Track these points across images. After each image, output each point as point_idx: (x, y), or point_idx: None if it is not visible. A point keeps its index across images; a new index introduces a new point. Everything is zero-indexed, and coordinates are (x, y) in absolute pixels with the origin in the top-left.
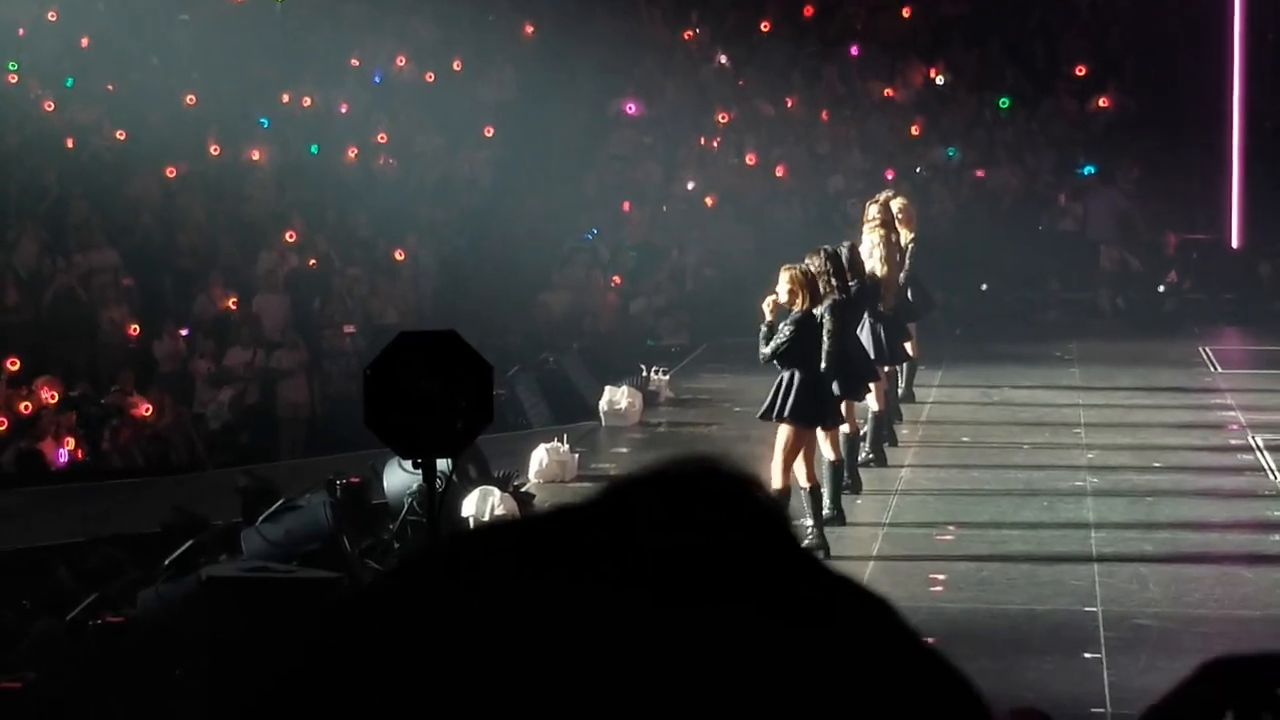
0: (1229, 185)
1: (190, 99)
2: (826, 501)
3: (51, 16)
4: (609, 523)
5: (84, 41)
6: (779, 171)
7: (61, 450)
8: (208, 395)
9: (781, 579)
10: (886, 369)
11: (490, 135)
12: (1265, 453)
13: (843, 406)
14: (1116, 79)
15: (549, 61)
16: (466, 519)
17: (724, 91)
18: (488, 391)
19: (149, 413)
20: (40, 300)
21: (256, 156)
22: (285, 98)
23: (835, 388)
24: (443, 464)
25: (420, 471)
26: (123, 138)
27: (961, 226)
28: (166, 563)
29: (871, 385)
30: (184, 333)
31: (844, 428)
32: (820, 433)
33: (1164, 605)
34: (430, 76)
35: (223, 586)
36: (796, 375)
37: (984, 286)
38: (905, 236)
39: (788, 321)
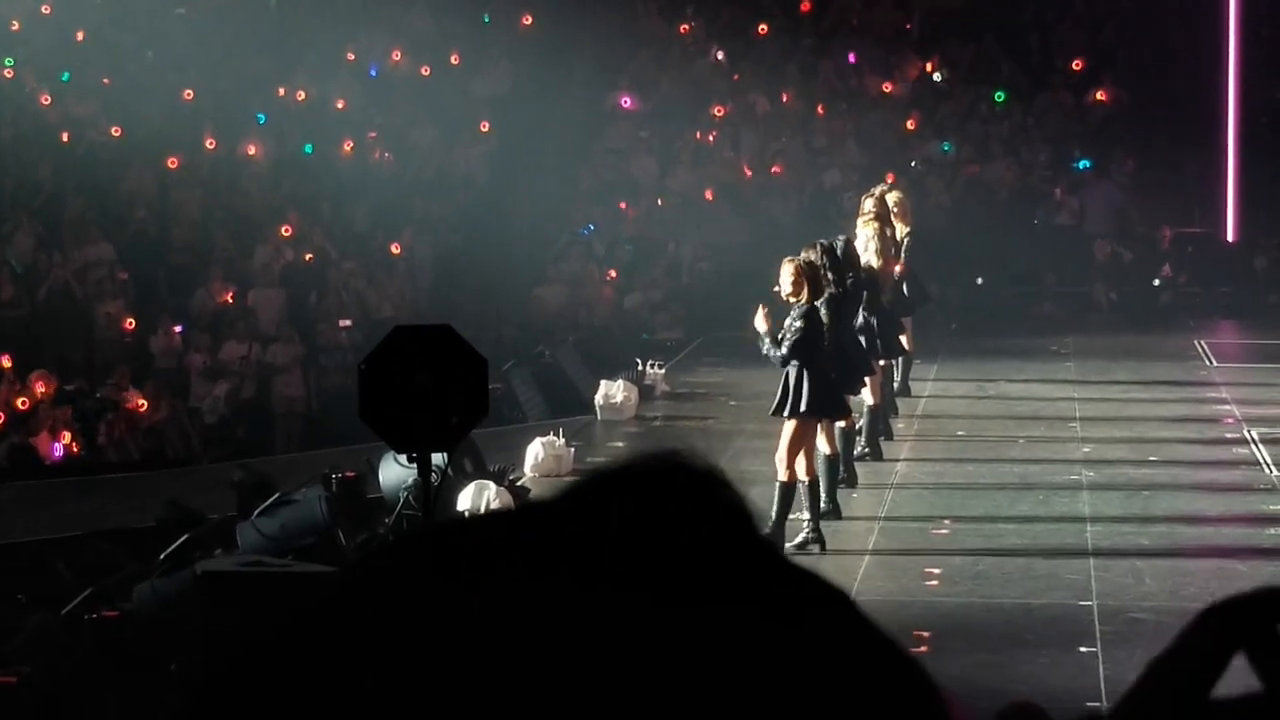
0: (1224, 179)
1: (186, 93)
2: (823, 495)
3: (46, 10)
4: (578, 519)
5: (79, 35)
6: (775, 166)
7: (57, 444)
8: (203, 389)
9: (748, 575)
10: (882, 363)
11: (486, 130)
12: (1260, 446)
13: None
14: (1112, 73)
15: (545, 55)
16: (462, 513)
17: (720, 85)
18: (483, 385)
19: (144, 407)
20: (35, 295)
21: (252, 151)
22: (281, 91)
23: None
24: (438, 458)
25: (415, 465)
26: (118, 133)
27: (957, 221)
28: (162, 557)
29: (867, 379)
30: (178, 329)
31: (840, 422)
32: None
33: (1160, 599)
34: (426, 70)
35: (218, 581)
36: (805, 370)
37: (979, 281)
38: (901, 230)
39: (794, 316)
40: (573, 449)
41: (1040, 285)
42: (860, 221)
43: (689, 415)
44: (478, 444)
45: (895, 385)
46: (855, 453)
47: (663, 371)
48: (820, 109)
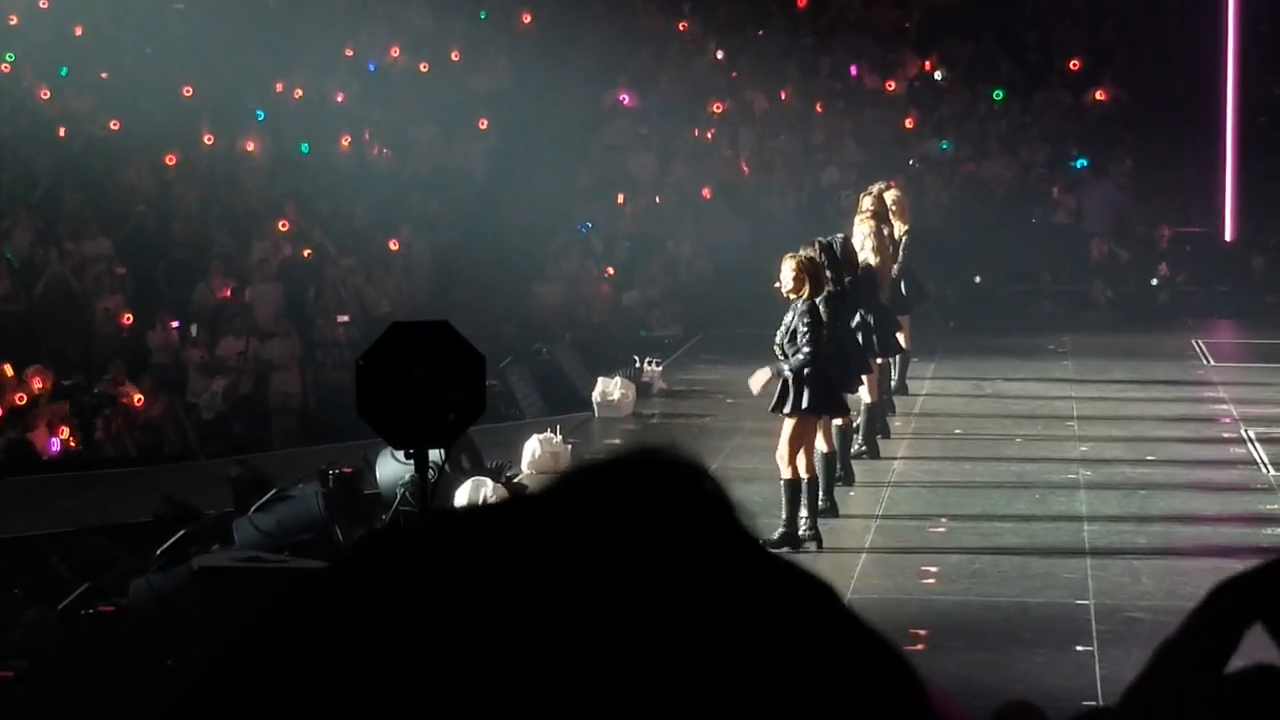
0: (1222, 178)
1: (184, 88)
2: (820, 493)
3: (44, 4)
4: (570, 513)
5: (78, 30)
6: (773, 163)
7: (54, 440)
8: (200, 385)
9: (737, 571)
10: (879, 361)
11: (485, 127)
12: (1258, 446)
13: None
14: (1110, 72)
15: (543, 52)
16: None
17: (718, 83)
18: (481, 382)
19: (141, 402)
20: (33, 290)
21: (251, 146)
22: (279, 87)
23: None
24: (435, 454)
25: (413, 462)
26: (116, 127)
27: (955, 219)
28: (158, 552)
29: (864, 378)
30: (175, 324)
31: (837, 420)
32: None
33: (1157, 598)
34: (425, 66)
35: (215, 576)
36: (805, 367)
37: (977, 279)
38: (899, 229)
39: (800, 313)
40: (570, 446)
41: (1038, 284)
42: (857, 219)
43: (686, 413)
44: (475, 440)
45: (893, 383)
46: (852, 451)
47: (660, 369)
48: (819, 107)
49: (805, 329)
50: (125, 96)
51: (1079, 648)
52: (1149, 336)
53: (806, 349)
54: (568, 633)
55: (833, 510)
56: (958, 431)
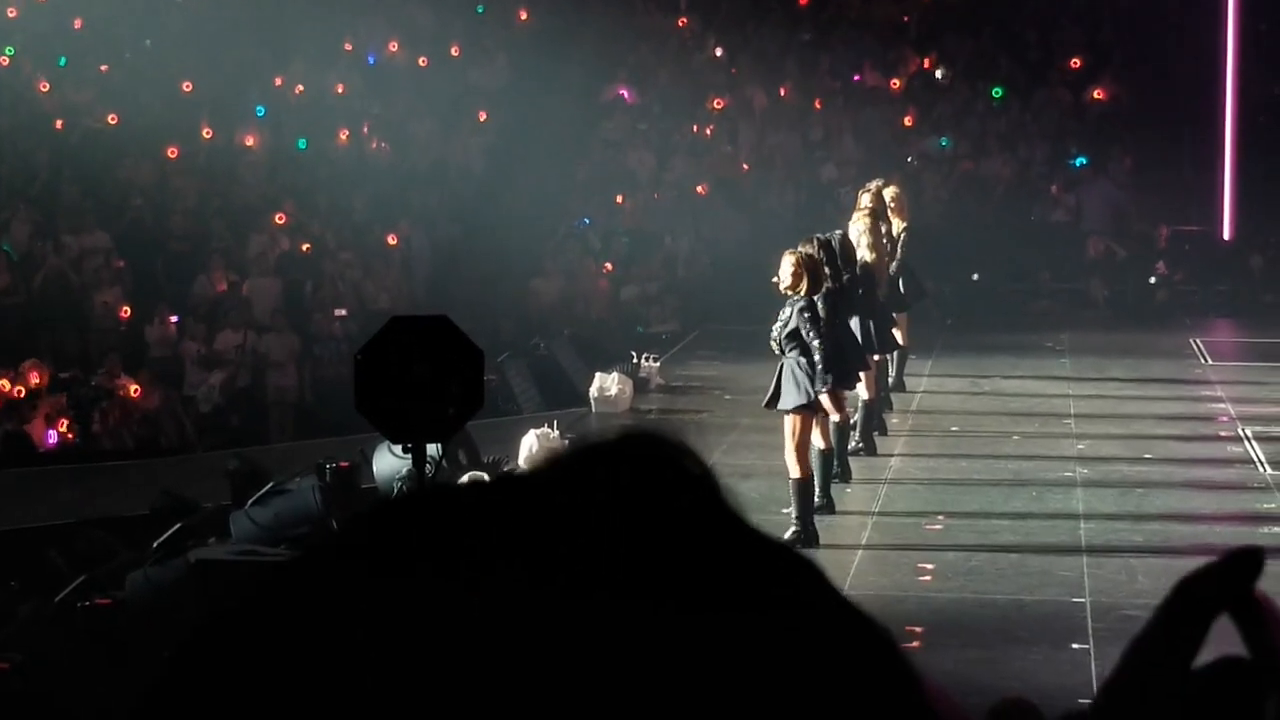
0: (1221, 177)
1: (183, 82)
2: (816, 490)
3: None
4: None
5: (77, 23)
6: (772, 160)
7: (51, 432)
8: (198, 378)
9: (728, 557)
10: (876, 358)
11: (484, 120)
12: (1255, 445)
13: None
14: (1110, 70)
15: (542, 47)
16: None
17: (717, 79)
18: (479, 377)
19: (138, 394)
20: (31, 282)
21: (249, 140)
22: (279, 81)
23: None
24: (432, 449)
25: (410, 456)
26: (114, 120)
27: (954, 216)
28: (155, 545)
29: (862, 374)
30: (173, 318)
31: (834, 416)
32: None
33: (1153, 597)
34: (424, 61)
35: (211, 570)
36: (801, 363)
37: (975, 276)
38: (898, 226)
39: (798, 311)
40: (567, 441)
41: (1036, 282)
42: (855, 215)
43: (684, 408)
44: (472, 435)
45: (890, 380)
46: (849, 447)
47: (658, 364)
48: (818, 103)
49: (807, 324)
50: (124, 90)
51: (1075, 645)
52: (1147, 335)
53: (816, 341)
54: (566, 636)
55: (829, 507)
56: (955, 429)
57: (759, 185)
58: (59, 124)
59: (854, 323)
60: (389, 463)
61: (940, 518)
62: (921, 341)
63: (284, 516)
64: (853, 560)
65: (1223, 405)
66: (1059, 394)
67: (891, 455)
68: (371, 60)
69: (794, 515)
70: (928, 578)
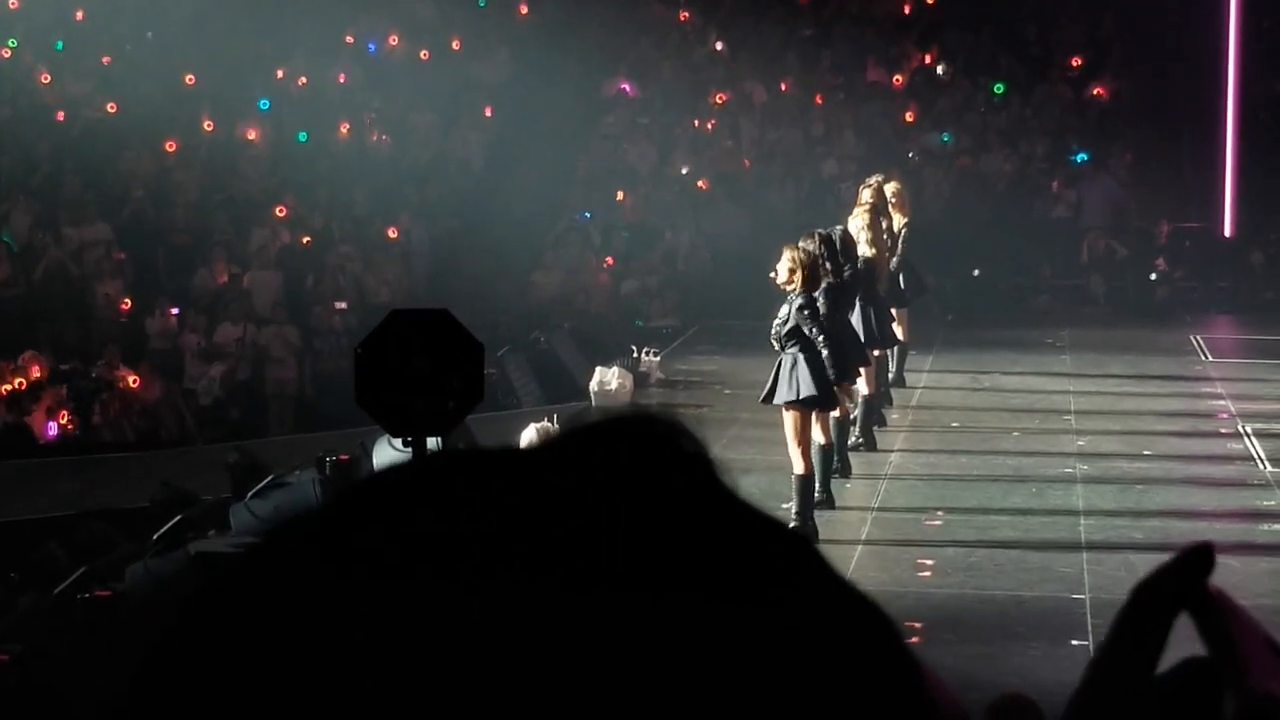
0: (1222, 174)
1: (185, 75)
2: (816, 485)
3: None
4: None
5: (78, 15)
6: (773, 155)
7: (51, 424)
8: (198, 370)
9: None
10: (877, 353)
11: (485, 115)
12: (1255, 442)
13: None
14: (1111, 66)
15: (544, 41)
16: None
17: (719, 73)
18: (479, 370)
19: (138, 386)
20: (31, 274)
21: (250, 133)
22: (280, 73)
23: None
24: (433, 443)
25: (410, 450)
26: (114, 109)
27: (954, 212)
28: (155, 537)
29: (862, 369)
30: (174, 311)
31: (834, 412)
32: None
33: None
34: (425, 55)
35: (211, 562)
36: (799, 359)
37: (976, 272)
38: (898, 221)
39: (797, 307)
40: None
41: (1037, 278)
42: (855, 210)
43: (684, 403)
44: (472, 429)
45: (890, 375)
46: (850, 442)
47: (658, 359)
48: (819, 99)
49: (807, 321)
50: (125, 82)
51: (1074, 642)
52: (1147, 331)
53: (820, 336)
54: (569, 633)
55: (829, 502)
56: (955, 425)
57: (760, 180)
58: (60, 116)
59: (854, 318)
60: (389, 456)
61: (940, 513)
62: (922, 337)
63: (284, 510)
64: (852, 555)
65: (1223, 402)
66: (1059, 390)
67: (891, 451)
68: (372, 48)
69: (794, 510)
70: (927, 573)
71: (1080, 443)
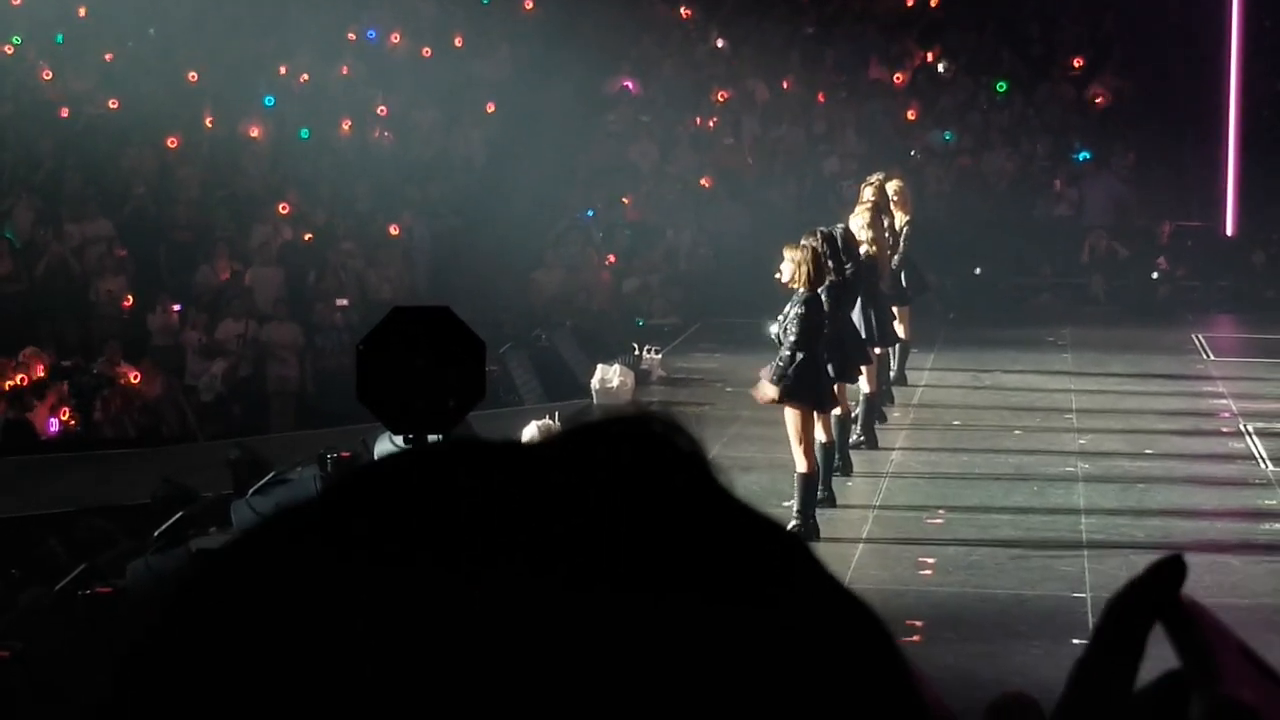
0: (1224, 173)
1: (187, 72)
2: (819, 483)
3: None
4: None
5: (81, 11)
6: (775, 153)
7: (53, 420)
8: (199, 367)
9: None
10: (878, 351)
11: (491, 110)
12: (1256, 441)
13: (835, 389)
14: (1112, 65)
15: (546, 39)
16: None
17: (721, 71)
18: (480, 368)
19: (138, 381)
20: (33, 270)
21: (253, 129)
22: (282, 70)
23: (830, 370)
24: (434, 440)
25: (411, 447)
26: (115, 105)
27: (956, 210)
28: (156, 534)
29: (863, 368)
30: (176, 307)
31: (835, 410)
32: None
33: None
34: (428, 52)
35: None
36: (802, 358)
37: (977, 271)
38: (900, 219)
39: (795, 302)
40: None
41: (1038, 276)
42: (857, 208)
43: (685, 401)
44: (474, 426)
45: (892, 374)
46: (851, 441)
47: (659, 357)
48: (821, 97)
49: (796, 320)
50: (127, 78)
51: (1075, 641)
52: (1149, 330)
53: (793, 339)
54: (570, 631)
55: (830, 500)
56: (956, 423)
57: (761, 178)
58: (63, 112)
59: (856, 316)
60: (390, 453)
61: (941, 512)
62: (923, 335)
63: (285, 506)
64: (853, 554)
65: (1224, 401)
66: (1060, 389)
67: (893, 449)
68: (372, 35)
69: (795, 508)
70: (928, 572)
71: (1082, 441)
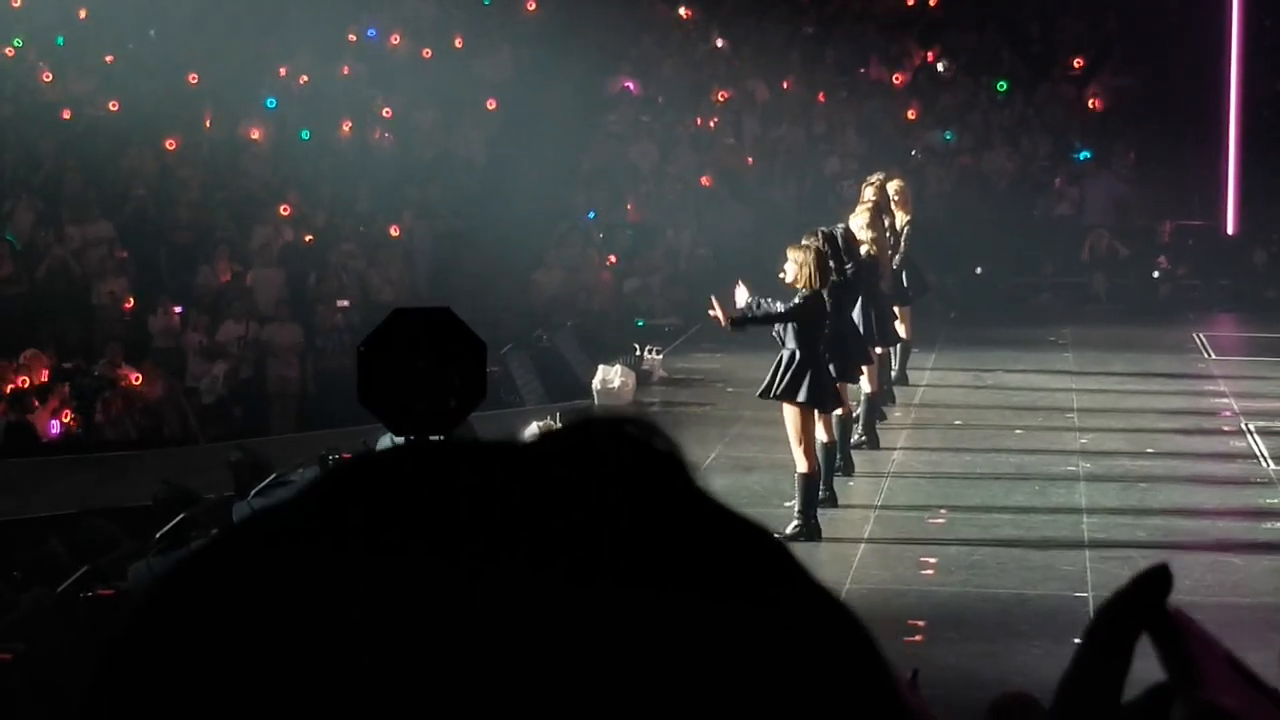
0: (1225, 172)
1: (188, 73)
2: (820, 483)
3: None
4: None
5: (81, 13)
6: (775, 152)
7: (54, 422)
8: (200, 369)
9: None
10: (879, 351)
11: (493, 108)
12: (1258, 440)
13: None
14: (1113, 64)
15: (546, 39)
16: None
17: (721, 71)
18: (482, 369)
19: (139, 382)
20: (34, 272)
21: (253, 131)
22: (282, 71)
23: (831, 370)
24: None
25: None
26: (115, 107)
27: (956, 210)
28: (158, 536)
29: (865, 367)
30: (177, 309)
31: (837, 410)
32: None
33: None
34: (428, 53)
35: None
36: (796, 355)
37: (978, 270)
38: (901, 219)
39: (796, 299)
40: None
41: (1039, 276)
42: (858, 208)
43: (686, 401)
44: (475, 427)
45: (893, 374)
46: (852, 441)
47: (660, 357)
48: (821, 96)
49: (793, 310)
50: (128, 80)
51: (1077, 640)
52: (1150, 329)
53: (779, 310)
54: (571, 627)
55: (832, 500)
56: (957, 422)
57: (762, 178)
58: (64, 114)
59: (856, 315)
60: None
61: (943, 511)
62: (924, 335)
63: (280, 500)
64: (855, 554)
65: (1225, 400)
66: (1061, 388)
67: (894, 449)
68: (373, 33)
69: (797, 509)
70: (930, 571)
71: (1083, 440)
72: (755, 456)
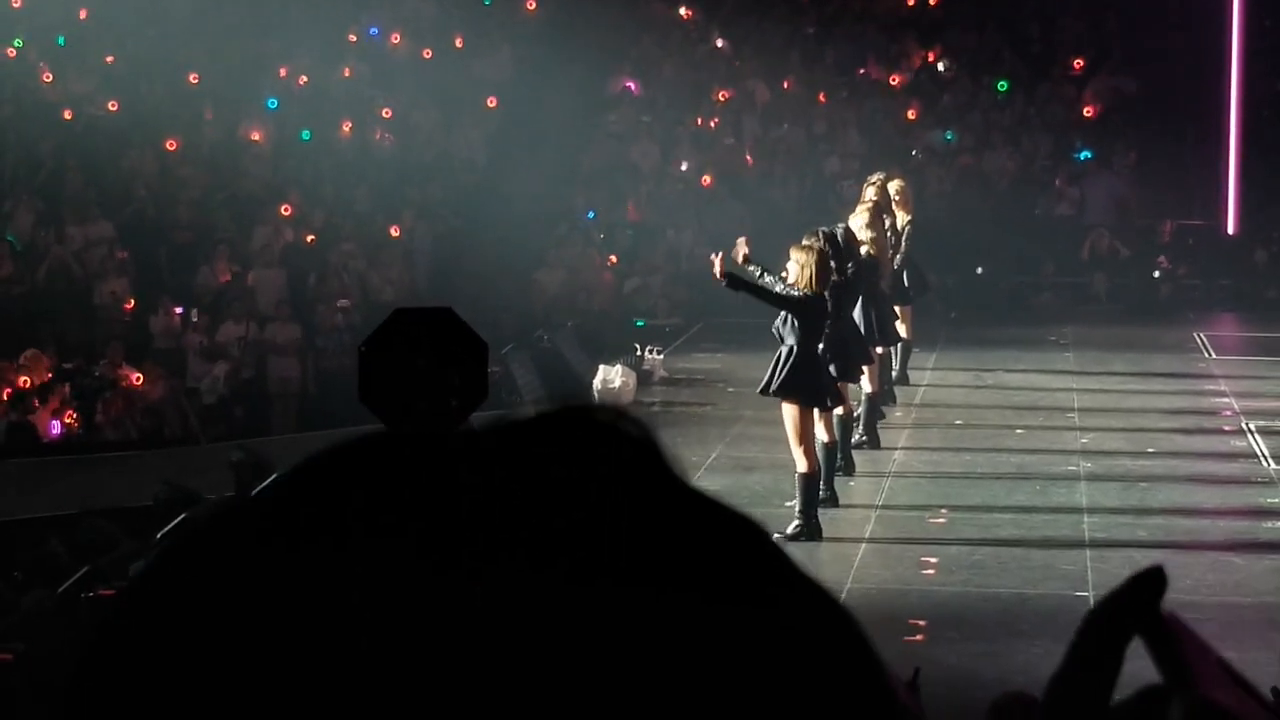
0: (1225, 171)
1: (188, 73)
2: (820, 483)
3: None
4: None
5: (81, 13)
6: (776, 153)
7: (55, 422)
8: (201, 369)
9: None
10: (879, 350)
11: (493, 106)
12: (1258, 439)
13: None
14: (1113, 64)
15: (547, 39)
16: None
17: (721, 71)
18: (483, 369)
19: (140, 383)
20: (35, 272)
21: (254, 131)
22: (283, 72)
23: (831, 370)
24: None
25: None
26: (115, 108)
27: (957, 210)
28: (159, 536)
29: (865, 367)
30: (178, 310)
31: (838, 409)
32: (815, 413)
33: None
34: (428, 53)
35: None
36: (795, 352)
37: (979, 270)
38: (902, 219)
39: (796, 293)
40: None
41: (1039, 276)
42: (858, 208)
43: (687, 401)
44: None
45: (894, 373)
46: (853, 440)
47: (661, 357)
48: (821, 97)
49: (789, 295)
50: (128, 80)
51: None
52: (1151, 329)
53: (777, 290)
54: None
55: (833, 500)
56: (958, 422)
57: (763, 178)
58: (65, 114)
59: (856, 315)
60: None
61: (943, 511)
62: (925, 335)
63: (268, 486)
64: (856, 553)
65: (1226, 399)
66: (1062, 388)
67: (895, 448)
68: (374, 32)
69: (798, 508)
70: (931, 571)
71: (1084, 440)
72: (756, 456)
